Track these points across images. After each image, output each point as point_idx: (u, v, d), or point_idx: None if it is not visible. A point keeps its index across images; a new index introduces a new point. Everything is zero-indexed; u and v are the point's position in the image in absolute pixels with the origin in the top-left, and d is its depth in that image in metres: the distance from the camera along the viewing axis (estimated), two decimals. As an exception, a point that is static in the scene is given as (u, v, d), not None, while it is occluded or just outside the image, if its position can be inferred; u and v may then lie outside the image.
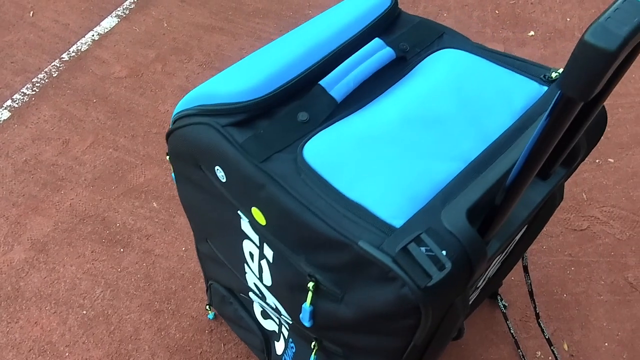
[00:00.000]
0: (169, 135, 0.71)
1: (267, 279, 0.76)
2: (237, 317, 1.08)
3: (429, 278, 0.51)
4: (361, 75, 0.68)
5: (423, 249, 0.52)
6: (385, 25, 0.77)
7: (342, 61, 0.69)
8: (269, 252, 0.70)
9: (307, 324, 0.69)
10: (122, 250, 1.34)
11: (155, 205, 1.42)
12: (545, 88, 0.68)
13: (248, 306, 1.02)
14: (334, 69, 0.68)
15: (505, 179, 0.57)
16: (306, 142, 0.63)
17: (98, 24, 1.89)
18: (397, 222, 0.56)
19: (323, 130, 0.64)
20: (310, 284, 0.63)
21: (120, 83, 1.71)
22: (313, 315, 0.68)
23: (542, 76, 0.69)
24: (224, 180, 0.66)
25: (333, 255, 0.58)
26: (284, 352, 0.97)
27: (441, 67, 0.71)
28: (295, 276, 0.66)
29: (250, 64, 0.70)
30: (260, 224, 0.65)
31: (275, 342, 1.00)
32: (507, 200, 0.52)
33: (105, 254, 1.33)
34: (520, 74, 0.70)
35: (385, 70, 0.70)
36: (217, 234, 0.83)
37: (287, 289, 0.71)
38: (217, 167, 0.66)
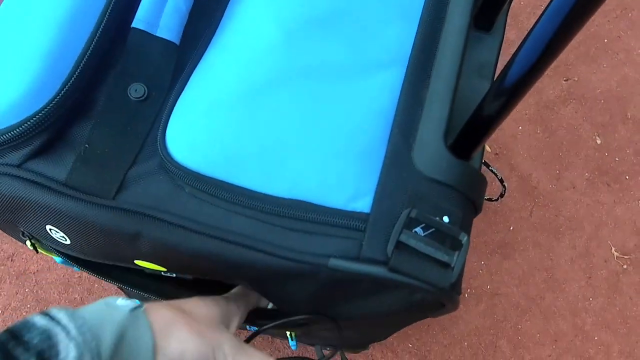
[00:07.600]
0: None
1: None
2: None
3: (449, 270, 0.34)
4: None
5: (419, 229, 0.34)
6: None
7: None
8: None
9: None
10: (-12, 289, 1.04)
11: (-5, 217, 1.09)
12: None
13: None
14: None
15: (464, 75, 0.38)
16: (163, 132, 0.39)
17: None
18: (363, 202, 0.36)
19: (179, 102, 0.39)
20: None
21: None
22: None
23: None
24: (67, 243, 0.41)
25: (295, 284, 0.38)
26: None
27: None
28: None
29: None
30: (161, 271, 0.43)
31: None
32: (506, 106, 0.33)
33: (-29, 304, 1.03)
34: None
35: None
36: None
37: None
38: (49, 228, 0.40)
